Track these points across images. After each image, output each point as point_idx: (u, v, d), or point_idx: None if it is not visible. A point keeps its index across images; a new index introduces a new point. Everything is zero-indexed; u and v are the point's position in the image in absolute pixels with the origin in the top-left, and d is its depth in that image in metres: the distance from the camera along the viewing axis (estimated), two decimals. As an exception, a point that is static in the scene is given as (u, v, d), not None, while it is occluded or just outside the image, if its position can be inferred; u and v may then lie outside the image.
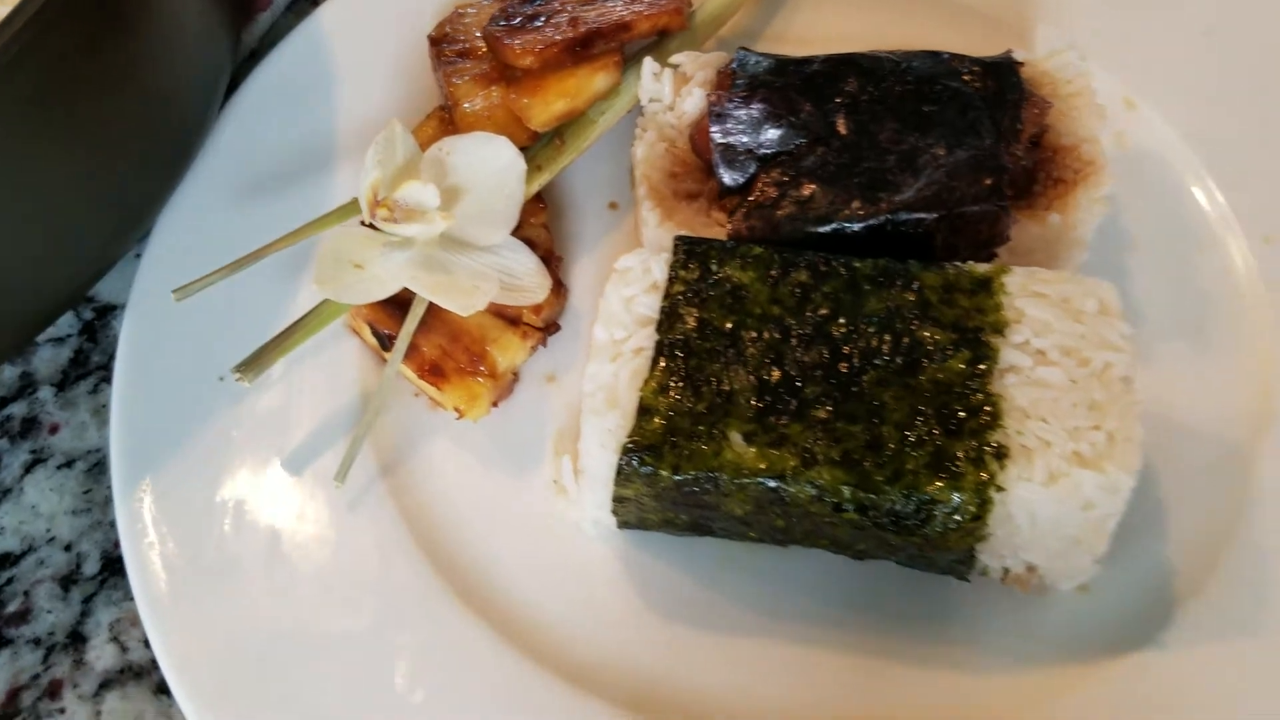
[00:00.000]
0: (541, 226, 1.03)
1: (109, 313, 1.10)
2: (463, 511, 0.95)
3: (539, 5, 1.07)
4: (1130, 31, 1.12)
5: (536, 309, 0.98)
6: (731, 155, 0.95)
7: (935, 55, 0.98)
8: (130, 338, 1.00)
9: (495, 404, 0.98)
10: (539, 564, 0.93)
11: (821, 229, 0.91)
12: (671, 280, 0.87)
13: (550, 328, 1.01)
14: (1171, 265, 1.03)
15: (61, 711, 0.93)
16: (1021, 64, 0.97)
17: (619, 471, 0.82)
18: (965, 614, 0.90)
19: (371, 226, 0.96)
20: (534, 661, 0.90)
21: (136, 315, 1.01)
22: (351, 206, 1.00)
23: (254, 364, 0.92)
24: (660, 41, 1.10)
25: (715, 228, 0.96)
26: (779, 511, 0.82)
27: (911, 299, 0.85)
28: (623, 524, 0.91)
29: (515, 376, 1.00)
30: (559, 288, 1.00)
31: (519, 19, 1.05)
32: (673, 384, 0.83)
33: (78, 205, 0.96)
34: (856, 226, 0.91)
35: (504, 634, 0.91)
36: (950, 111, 0.94)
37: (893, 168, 0.92)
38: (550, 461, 0.97)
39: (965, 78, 0.96)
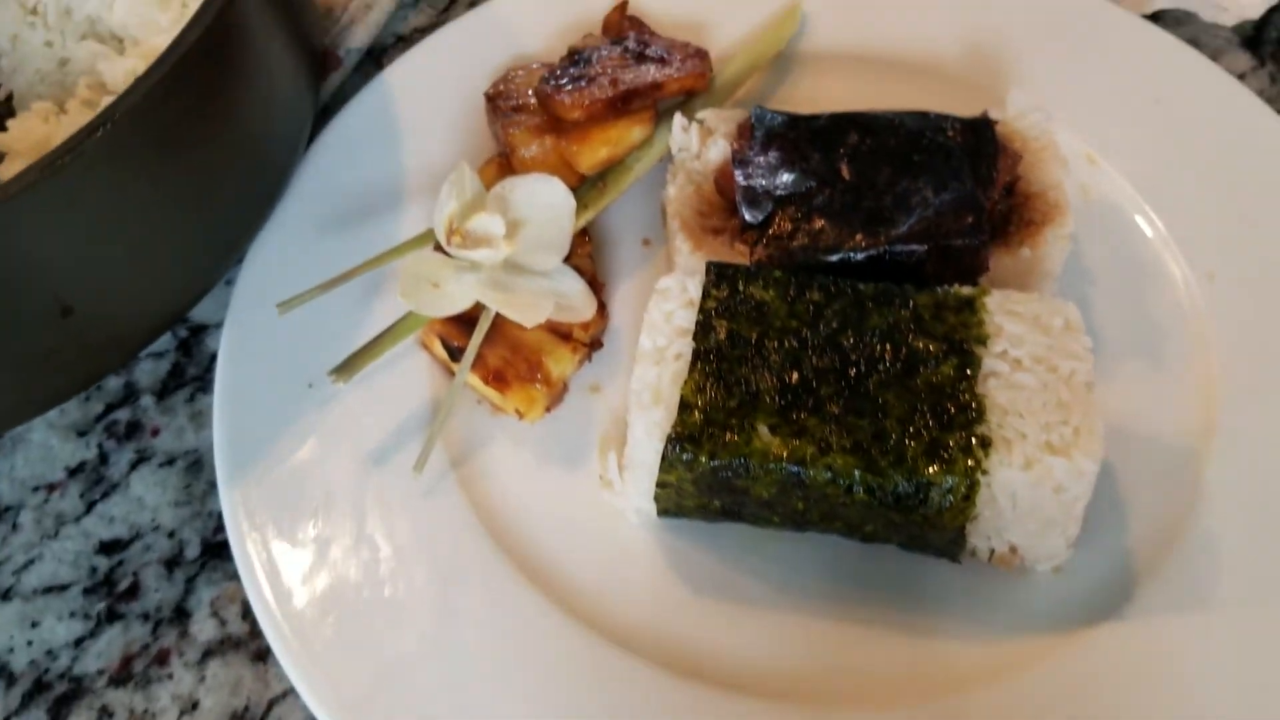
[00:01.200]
0: (587, 257, 1.19)
1: (202, 331, 1.25)
2: (522, 500, 1.10)
3: (583, 69, 1.24)
4: (1091, 98, 1.30)
5: (585, 326, 1.14)
6: (752, 196, 1.11)
7: (923, 115, 1.16)
8: (229, 350, 1.15)
9: (549, 409, 1.13)
10: (588, 546, 1.08)
11: (830, 257, 1.07)
12: (705, 298, 1.03)
13: (595, 344, 1.16)
14: (1127, 295, 1.19)
15: (170, 677, 1.07)
16: (996, 122, 1.15)
17: (663, 458, 0.97)
18: (956, 591, 1.05)
19: (443, 252, 1.12)
20: (583, 625, 1.04)
21: (234, 330, 1.16)
22: (425, 236, 1.15)
23: (348, 368, 1.07)
24: (687, 100, 1.27)
25: (738, 257, 1.13)
26: (799, 494, 0.97)
27: (908, 315, 1.01)
28: (662, 511, 1.05)
29: (565, 386, 1.15)
30: (602, 309, 1.16)
31: (566, 79, 1.22)
32: (708, 384, 0.98)
33: (183, 237, 1.11)
34: (859, 256, 1.07)
35: (556, 602, 1.05)
36: (937, 161, 1.11)
37: (889, 206, 1.09)
38: (597, 459, 1.12)
39: (949, 133, 1.13)
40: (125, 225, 1.03)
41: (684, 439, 0.96)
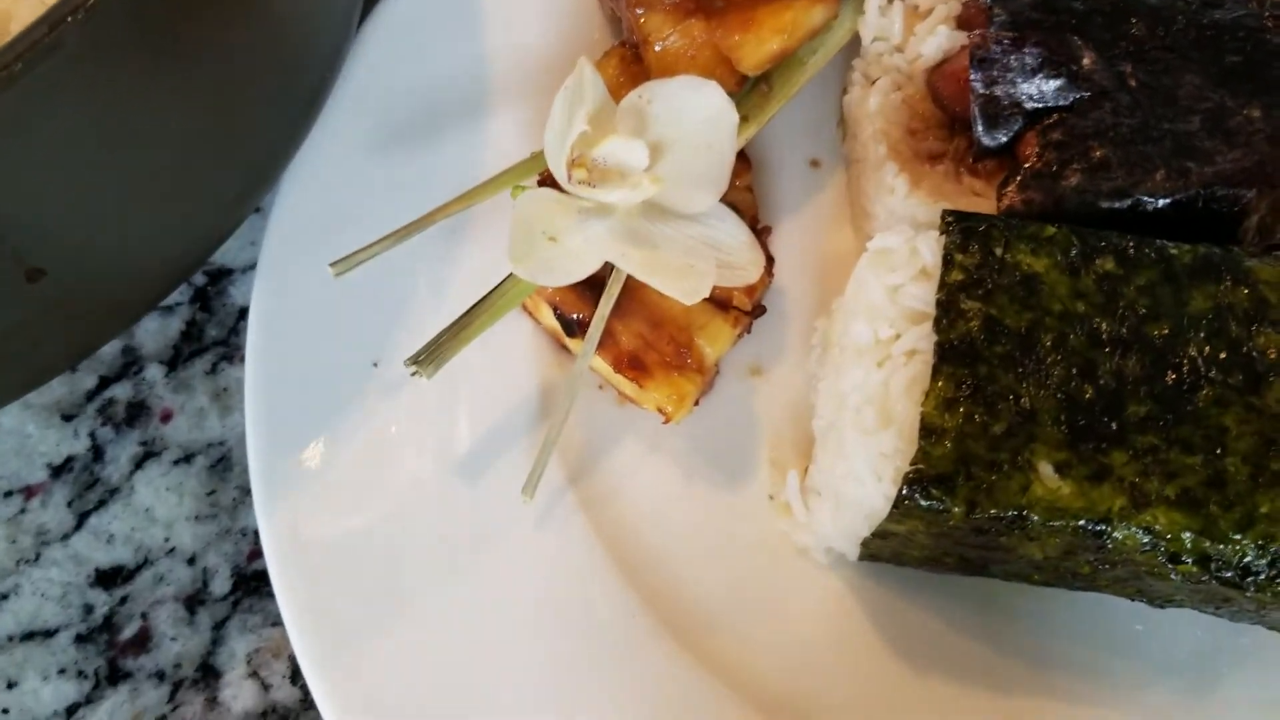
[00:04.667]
0: (747, 190, 0.87)
1: (224, 278, 0.94)
2: (665, 528, 0.82)
3: (737, -79, 0.89)
4: None
5: (749, 290, 0.83)
6: (995, 109, 0.79)
7: (1228, -8, 0.82)
8: (263, 313, 0.84)
9: (698, 402, 0.83)
10: (755, 593, 0.80)
11: (1116, 204, 0.76)
12: (947, 266, 0.71)
13: (757, 310, 0.85)
14: None
15: (193, 758, 0.80)
16: (1330, 6, 0.81)
17: (896, 504, 0.67)
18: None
19: (557, 188, 0.80)
20: (754, 705, 0.76)
21: (269, 285, 0.85)
22: (529, 164, 0.84)
23: (433, 356, 0.76)
24: (873, -33, 0.92)
25: (970, 196, 0.81)
26: (1091, 559, 0.67)
27: (1245, 297, 0.70)
28: (867, 557, 0.76)
29: (718, 369, 0.85)
30: (769, 264, 0.85)
31: (717, -63, 0.88)
32: (961, 398, 0.67)
33: (195, 162, 0.80)
34: (1160, 202, 0.75)
35: (717, 672, 0.77)
36: (1257, 64, 0.78)
37: (1198, 131, 0.76)
38: (767, 474, 0.82)
39: (1268, 23, 0.80)
40: (111, 154, 0.72)
41: (930, 481, 0.66)
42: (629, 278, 0.80)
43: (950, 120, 0.84)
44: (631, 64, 0.90)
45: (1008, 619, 0.78)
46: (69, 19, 0.62)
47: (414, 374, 0.76)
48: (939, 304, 0.70)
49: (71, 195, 0.72)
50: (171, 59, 0.72)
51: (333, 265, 0.78)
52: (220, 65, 0.77)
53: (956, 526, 0.67)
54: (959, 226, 0.72)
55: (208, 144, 0.80)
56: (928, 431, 0.67)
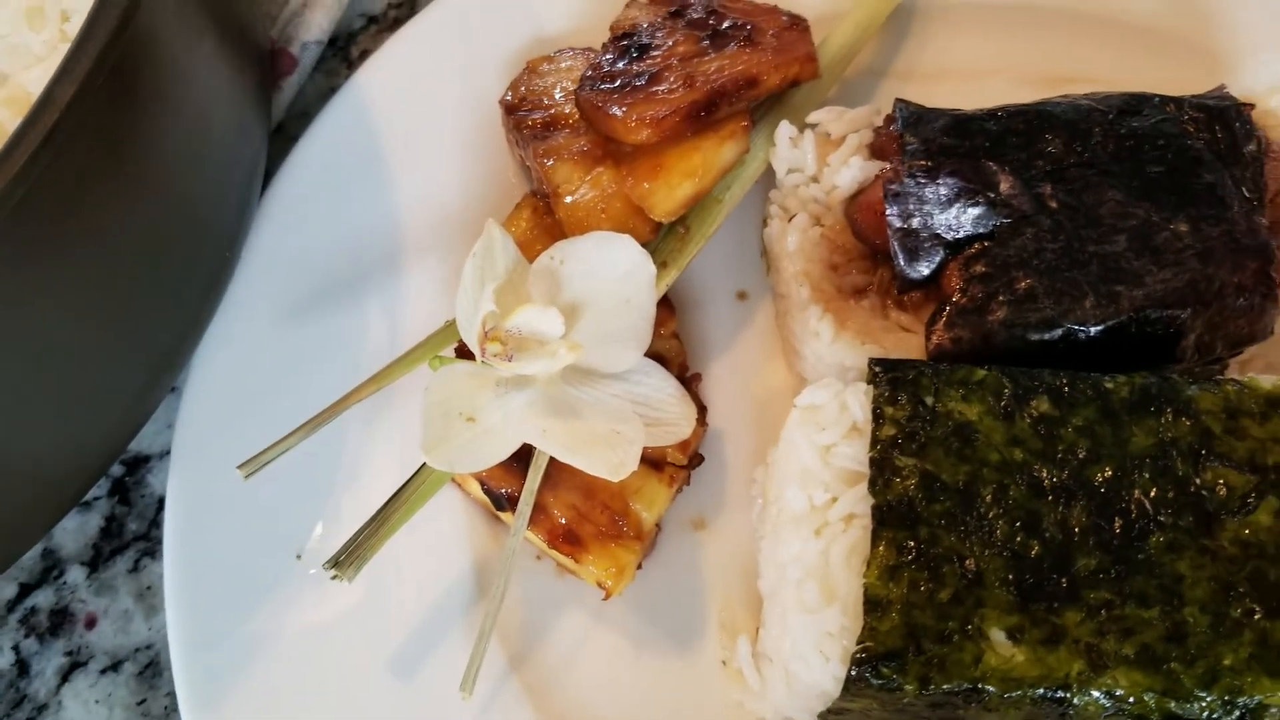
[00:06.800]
0: (672, 337, 0.85)
1: (141, 466, 0.91)
2: (617, 706, 0.77)
3: (640, 61, 0.87)
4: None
5: (683, 445, 0.80)
6: (914, 242, 0.77)
7: (1141, 98, 0.81)
8: (179, 507, 0.81)
9: (639, 565, 0.80)
10: (719, 768, 0.75)
11: (1047, 335, 0.73)
12: (878, 421, 0.68)
13: (694, 461, 0.82)
14: None
15: None
16: (1248, 105, 0.79)
17: (847, 685, 0.64)
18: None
19: (467, 356, 0.77)
20: None
21: (184, 475, 0.82)
22: (442, 336, 0.81)
23: (352, 558, 0.73)
24: (782, 95, 0.91)
25: (899, 332, 0.78)
26: (1056, 723, 0.64)
27: (1188, 430, 0.67)
28: (827, 722, 0.73)
29: (658, 527, 0.81)
30: (702, 414, 0.82)
31: (620, 80, 0.86)
32: (904, 564, 0.65)
33: (102, 356, 0.78)
34: (1093, 329, 0.73)
35: None
36: (1180, 174, 0.76)
37: (1125, 251, 0.74)
38: (717, 636, 0.79)
39: (1188, 127, 0.78)
40: (15, 360, 0.68)
41: (879, 659, 0.63)
42: (557, 445, 0.77)
43: (872, 251, 0.82)
44: (544, 215, 0.88)
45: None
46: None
47: (334, 578, 0.72)
48: (872, 463, 0.68)
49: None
50: (56, 261, 0.69)
51: (241, 467, 0.75)
52: (113, 260, 0.74)
53: (911, 703, 0.64)
54: (886, 377, 0.70)
55: (108, 339, 0.77)
56: (873, 605, 0.64)
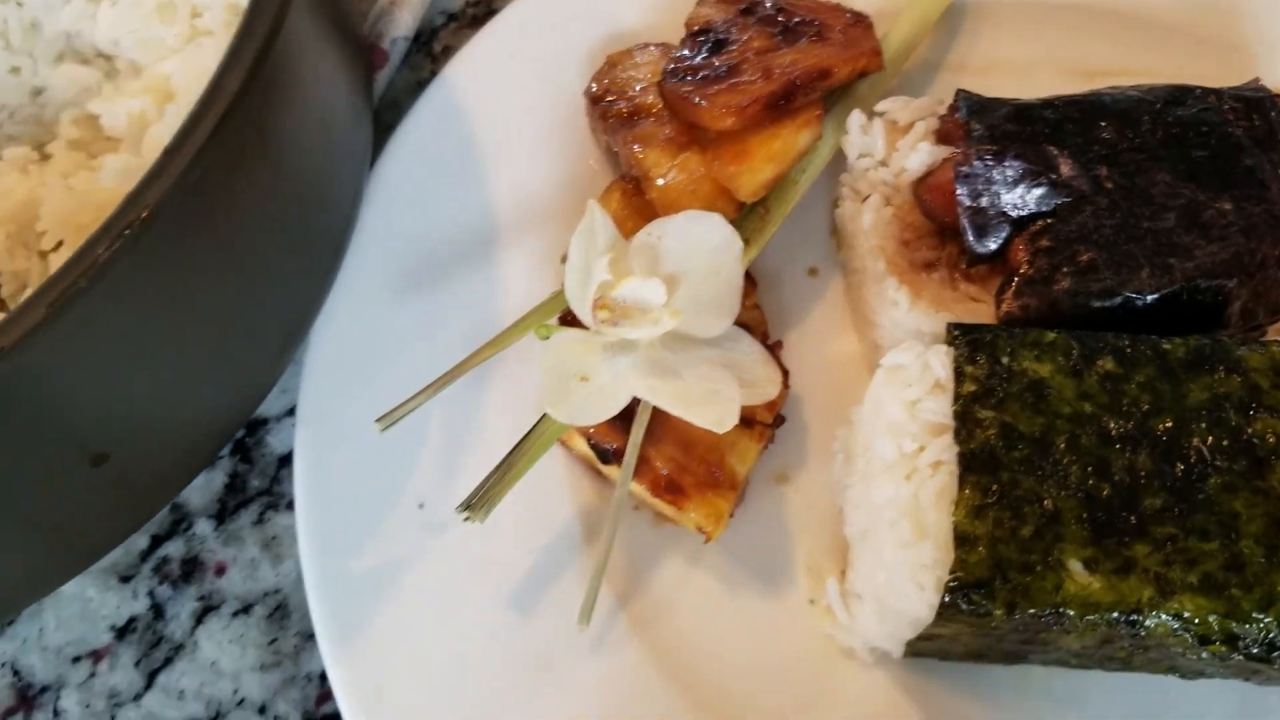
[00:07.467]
0: (755, 308, 0.92)
1: (261, 428, 0.98)
2: (715, 641, 0.85)
3: (719, 54, 0.95)
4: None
5: (769, 405, 0.87)
6: (982, 220, 0.84)
7: (1184, 89, 0.89)
8: (308, 467, 0.88)
9: (730, 515, 0.88)
10: (809, 697, 0.84)
11: (1107, 303, 0.81)
12: (959, 378, 0.76)
13: (777, 421, 0.90)
14: None
15: None
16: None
17: (940, 611, 0.72)
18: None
19: (570, 324, 0.85)
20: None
21: (309, 437, 0.89)
22: (550, 305, 0.88)
23: (483, 500, 0.80)
24: (849, 86, 0.98)
25: (968, 302, 0.86)
26: (1126, 645, 0.72)
27: (1238, 385, 0.75)
28: (911, 654, 0.81)
29: (746, 481, 0.89)
30: (785, 377, 0.89)
31: (702, 72, 0.93)
32: (988, 505, 0.72)
33: (238, 335, 0.85)
34: (1149, 298, 0.81)
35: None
36: (1223, 158, 0.84)
37: (1175, 228, 0.82)
38: (805, 580, 0.87)
39: (1229, 115, 0.86)
40: (165, 341, 0.76)
41: (970, 587, 0.71)
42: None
43: (939, 229, 0.89)
44: (633, 196, 0.95)
45: (1047, 701, 0.82)
46: (114, 242, 0.65)
47: (466, 519, 0.80)
48: (956, 416, 0.75)
49: (129, 381, 0.76)
50: (211, 243, 0.77)
51: (378, 421, 0.83)
52: (251, 245, 0.82)
53: (998, 626, 0.72)
54: (965, 339, 0.78)
55: (248, 312, 0.84)
56: (962, 540, 0.72)
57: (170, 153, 0.66)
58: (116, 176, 0.83)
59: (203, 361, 0.81)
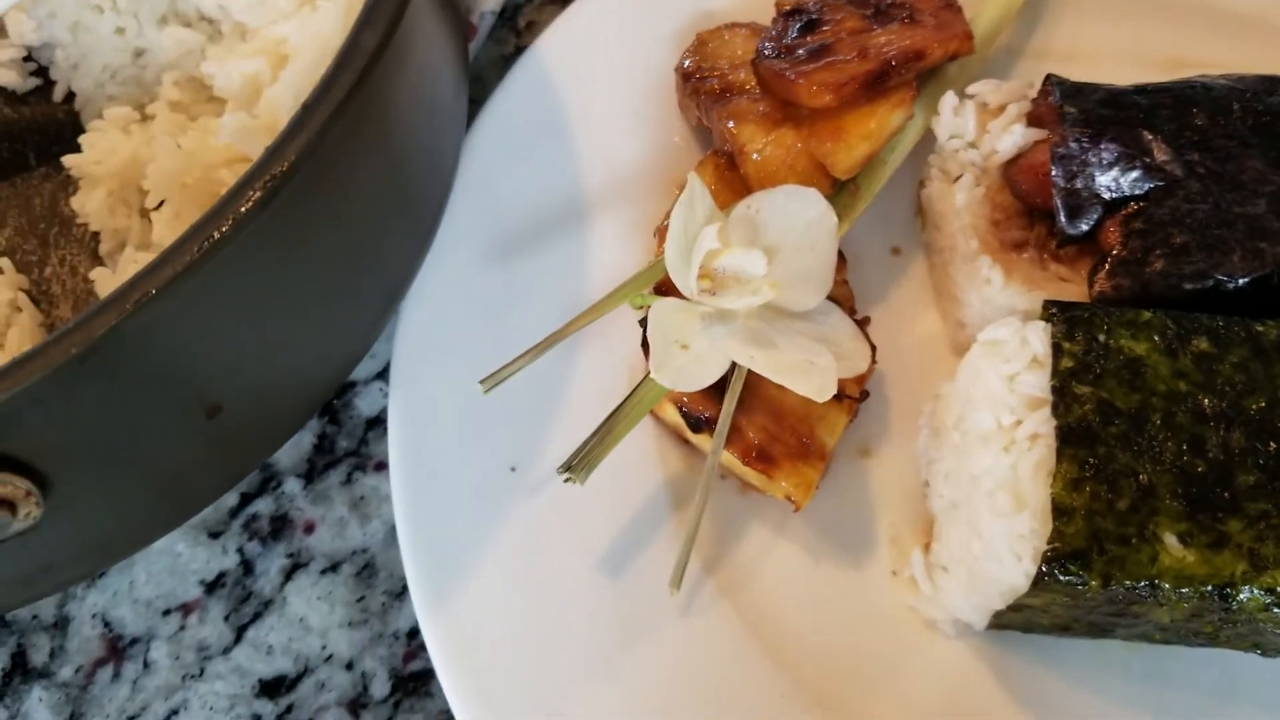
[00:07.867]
0: (844, 283, 0.94)
1: (349, 391, 1.00)
2: (800, 609, 0.87)
3: (814, 34, 0.96)
4: None
5: (858, 379, 0.89)
6: (1076, 201, 0.86)
7: (1274, 80, 0.90)
8: (402, 429, 0.90)
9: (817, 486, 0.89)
10: (892, 667, 0.85)
11: (1199, 285, 0.82)
12: (1057, 354, 0.78)
13: (863, 396, 0.92)
14: None
15: None
16: (1370, 86, 0.89)
17: (1036, 581, 0.73)
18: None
19: (666, 294, 0.87)
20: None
21: (403, 401, 0.91)
22: (648, 274, 0.90)
23: (584, 462, 0.82)
24: (938, 68, 1.00)
25: (1058, 282, 0.88)
26: (1215, 619, 0.74)
27: (1330, 367, 0.77)
28: (995, 626, 0.82)
29: (832, 454, 0.91)
30: (873, 351, 0.91)
31: (797, 50, 0.95)
32: (1085, 478, 0.74)
33: (343, 297, 0.86)
34: (1240, 281, 0.82)
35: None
36: (1313, 145, 0.85)
37: (1266, 214, 0.84)
38: (888, 551, 0.88)
39: (1318, 105, 0.87)
40: (281, 297, 0.78)
41: (1067, 558, 0.72)
42: (748, 374, 0.86)
43: (1028, 210, 0.91)
44: (725, 170, 0.97)
45: (1125, 678, 0.84)
46: (253, 195, 0.67)
47: (567, 480, 0.82)
48: (1054, 390, 0.77)
49: (246, 336, 0.78)
50: (330, 201, 0.78)
51: (482, 383, 0.84)
52: (366, 199, 0.83)
53: (1092, 597, 0.73)
54: (1063, 317, 0.79)
55: (354, 273, 0.86)
56: (1059, 511, 0.73)
57: (308, 108, 0.67)
58: (233, 135, 0.85)
59: (311, 320, 0.83)
